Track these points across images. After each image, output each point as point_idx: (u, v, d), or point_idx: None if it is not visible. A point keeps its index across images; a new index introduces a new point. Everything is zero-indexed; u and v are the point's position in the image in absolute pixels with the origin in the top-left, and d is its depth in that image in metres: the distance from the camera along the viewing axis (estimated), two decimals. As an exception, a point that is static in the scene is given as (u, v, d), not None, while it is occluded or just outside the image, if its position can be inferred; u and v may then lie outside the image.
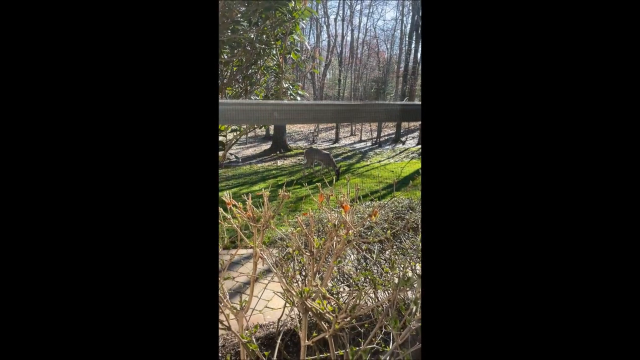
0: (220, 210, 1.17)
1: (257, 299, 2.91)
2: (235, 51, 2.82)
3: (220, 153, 2.67)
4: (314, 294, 1.02)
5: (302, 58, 2.97)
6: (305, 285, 1.20)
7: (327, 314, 0.92)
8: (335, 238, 1.17)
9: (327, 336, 0.91)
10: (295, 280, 1.27)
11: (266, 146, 12.30)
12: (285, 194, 1.14)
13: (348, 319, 0.93)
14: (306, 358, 1.26)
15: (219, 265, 1.13)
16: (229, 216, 1.13)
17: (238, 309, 1.11)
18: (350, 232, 1.05)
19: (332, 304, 0.98)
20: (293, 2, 2.40)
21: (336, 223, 1.04)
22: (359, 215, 1.84)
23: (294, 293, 0.94)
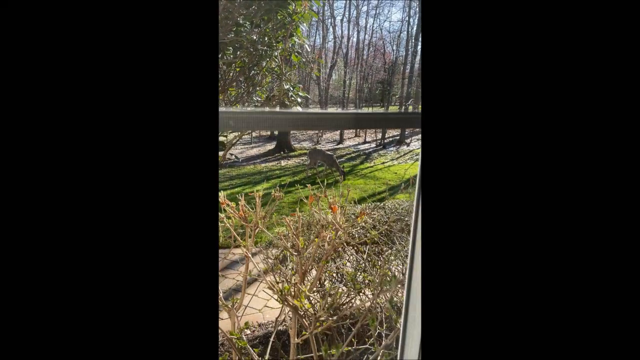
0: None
1: (251, 297, 2.93)
2: (238, 52, 2.85)
3: (221, 153, 2.70)
4: (302, 293, 1.04)
5: (303, 60, 3.00)
6: (302, 285, 1.23)
7: (306, 312, 0.94)
8: (326, 239, 1.19)
9: (308, 333, 0.93)
10: (284, 278, 1.29)
11: (270, 146, 12.34)
12: (278, 194, 1.17)
13: (335, 317, 0.95)
14: (297, 357, 1.28)
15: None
16: (223, 215, 1.16)
17: (230, 306, 1.14)
18: (339, 233, 1.07)
19: (313, 302, 1.00)
20: (293, 5, 2.42)
21: (324, 224, 1.06)
22: (355, 215, 1.86)
23: (275, 290, 0.96)
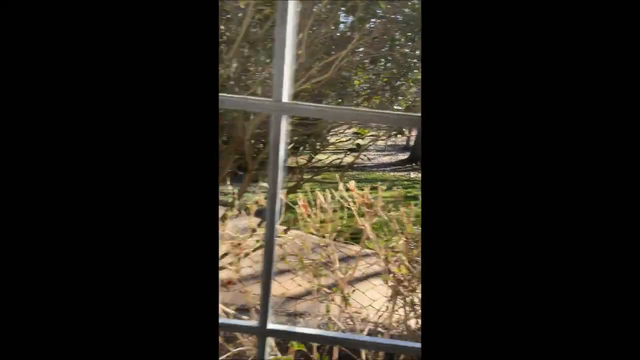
0: (345, 194, 1.45)
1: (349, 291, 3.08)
2: (388, 64, 3.10)
3: (356, 154, 3.02)
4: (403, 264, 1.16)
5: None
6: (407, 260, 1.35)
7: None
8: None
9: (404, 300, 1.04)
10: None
11: (403, 156, 12.30)
12: (398, 191, 1.33)
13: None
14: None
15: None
16: (350, 200, 1.40)
17: (342, 276, 1.37)
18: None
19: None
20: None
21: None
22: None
23: (380, 253, 1.12)
